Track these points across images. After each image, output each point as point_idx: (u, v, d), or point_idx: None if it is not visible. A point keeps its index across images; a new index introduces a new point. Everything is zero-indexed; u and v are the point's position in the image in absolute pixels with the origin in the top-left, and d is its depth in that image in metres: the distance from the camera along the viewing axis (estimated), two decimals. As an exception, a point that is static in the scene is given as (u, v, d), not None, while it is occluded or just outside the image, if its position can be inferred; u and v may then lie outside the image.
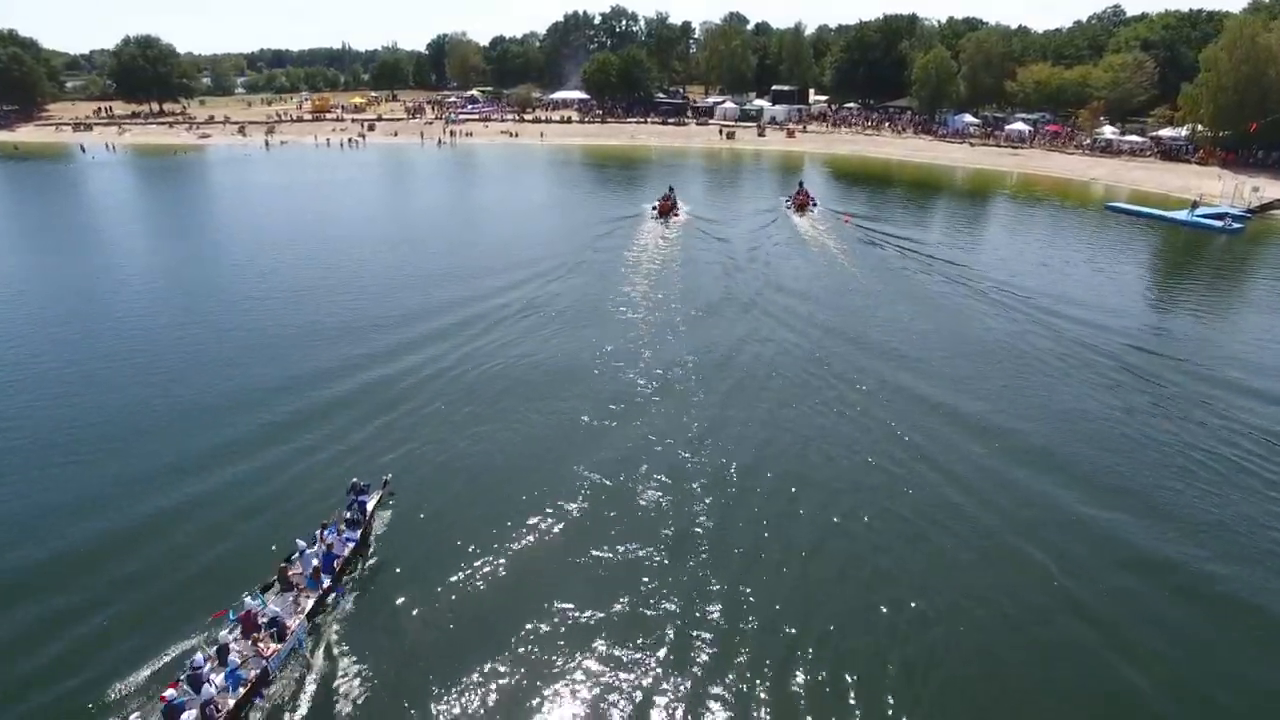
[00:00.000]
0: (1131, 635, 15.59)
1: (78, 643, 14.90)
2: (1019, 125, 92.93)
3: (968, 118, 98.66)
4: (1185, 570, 17.54)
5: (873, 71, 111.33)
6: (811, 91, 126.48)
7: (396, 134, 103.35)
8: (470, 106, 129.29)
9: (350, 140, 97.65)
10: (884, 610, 16.11)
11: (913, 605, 16.24)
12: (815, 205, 55.34)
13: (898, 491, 20.26)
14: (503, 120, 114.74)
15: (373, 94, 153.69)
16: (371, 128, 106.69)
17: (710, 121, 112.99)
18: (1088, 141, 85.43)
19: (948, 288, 37.46)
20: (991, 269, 40.73)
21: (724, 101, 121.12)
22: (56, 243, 47.15)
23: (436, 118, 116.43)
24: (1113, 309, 34.80)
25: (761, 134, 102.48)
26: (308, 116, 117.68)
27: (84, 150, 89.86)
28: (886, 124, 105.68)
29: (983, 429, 23.42)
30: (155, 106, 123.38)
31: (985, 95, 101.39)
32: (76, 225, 53.11)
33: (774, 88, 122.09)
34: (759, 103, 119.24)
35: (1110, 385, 26.47)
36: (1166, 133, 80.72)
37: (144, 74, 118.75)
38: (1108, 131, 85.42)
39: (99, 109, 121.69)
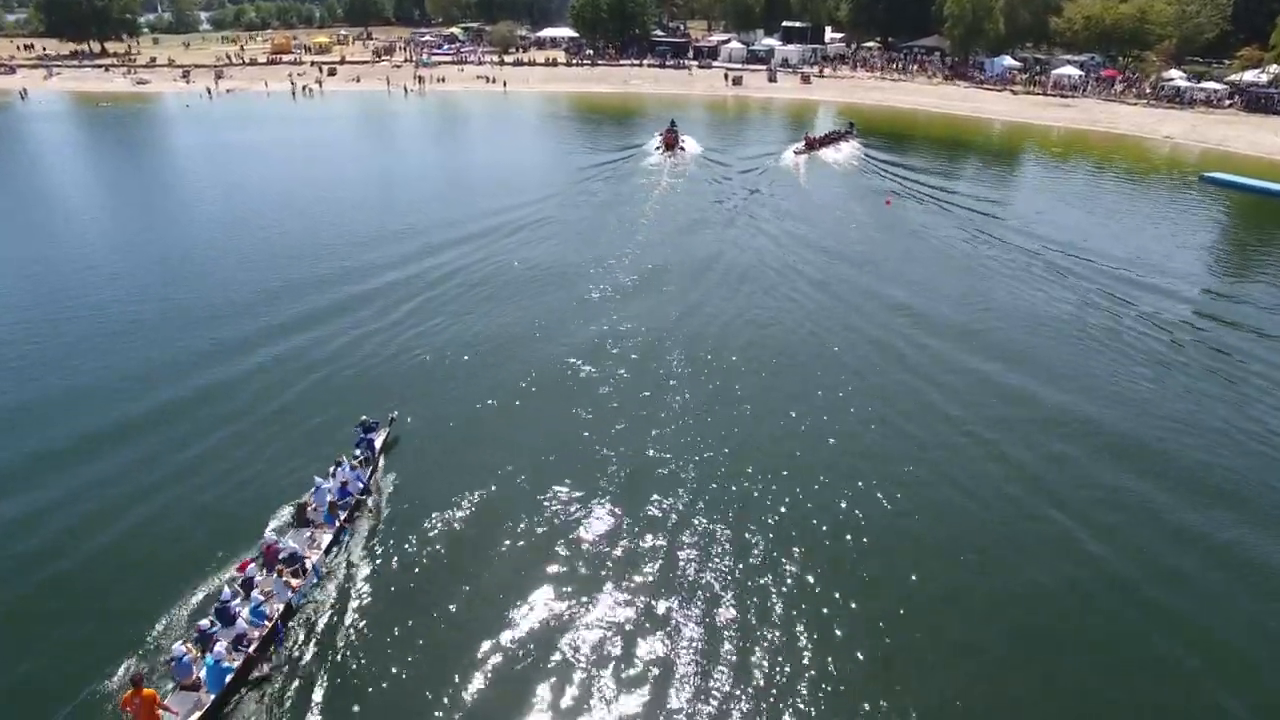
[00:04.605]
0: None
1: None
2: (1069, 69, 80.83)
3: (1009, 60, 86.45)
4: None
5: (895, 6, 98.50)
6: (827, 29, 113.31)
7: (359, 79, 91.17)
8: (445, 46, 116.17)
9: (305, 88, 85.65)
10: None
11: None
12: (852, 134, 56.35)
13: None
14: (480, 63, 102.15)
15: (343, 32, 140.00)
16: (332, 72, 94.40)
17: (714, 64, 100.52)
18: (1149, 90, 73.80)
19: (1059, 293, 27.62)
20: (1090, 261, 30.82)
21: (729, 40, 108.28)
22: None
23: (406, 60, 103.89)
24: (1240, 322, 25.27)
25: (772, 79, 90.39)
26: (263, 59, 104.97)
27: (-7, 98, 78.38)
28: (915, 67, 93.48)
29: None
30: (96, 46, 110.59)
31: (1024, 34, 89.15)
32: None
33: (785, 25, 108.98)
34: (768, 41, 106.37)
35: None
36: (1249, 77, 69.00)
37: (76, 7, 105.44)
38: (1177, 77, 73.64)
39: (30, 47, 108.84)
